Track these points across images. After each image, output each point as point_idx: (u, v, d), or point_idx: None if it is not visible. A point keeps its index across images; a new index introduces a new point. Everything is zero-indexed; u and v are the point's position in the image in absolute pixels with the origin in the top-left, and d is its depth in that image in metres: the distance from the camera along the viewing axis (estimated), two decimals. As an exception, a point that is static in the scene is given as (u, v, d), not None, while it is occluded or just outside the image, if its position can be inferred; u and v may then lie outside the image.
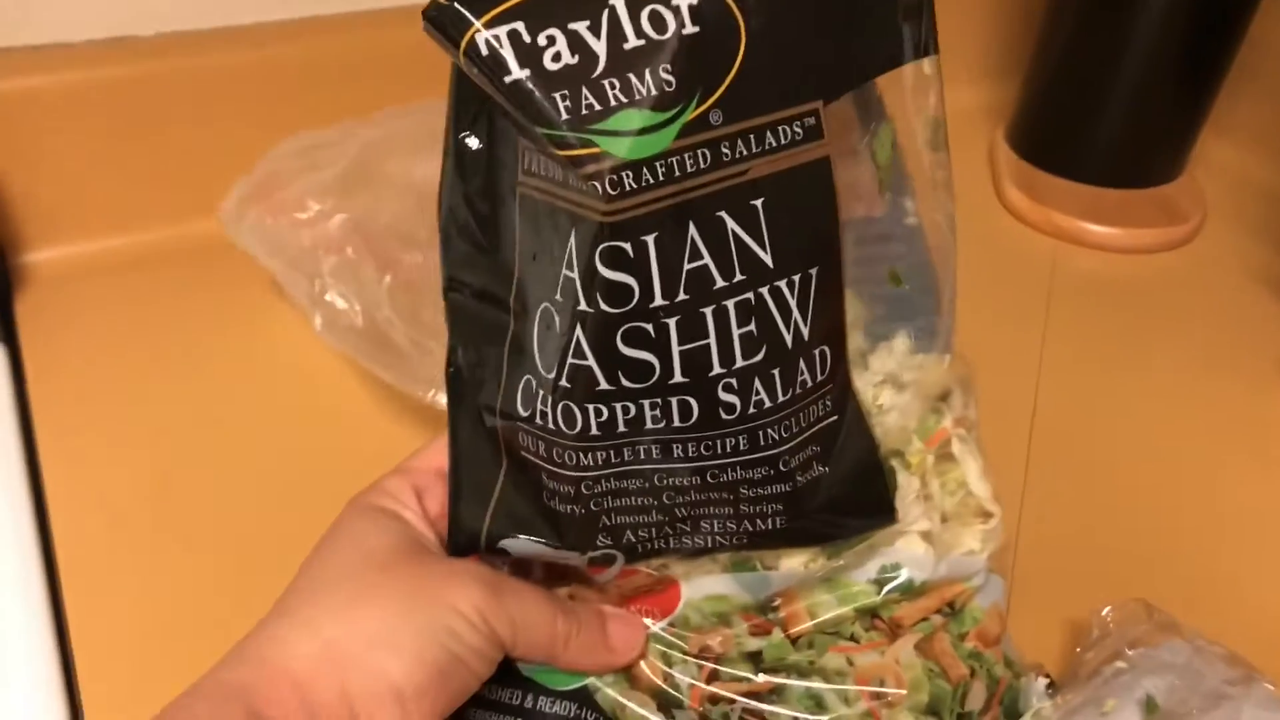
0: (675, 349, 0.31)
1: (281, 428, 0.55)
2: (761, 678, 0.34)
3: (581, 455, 0.32)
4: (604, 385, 0.31)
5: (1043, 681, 0.39)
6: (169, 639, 0.39)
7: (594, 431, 0.32)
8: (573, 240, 0.31)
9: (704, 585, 0.35)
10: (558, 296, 0.32)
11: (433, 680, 0.31)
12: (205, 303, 0.62)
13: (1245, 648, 0.41)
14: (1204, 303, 0.68)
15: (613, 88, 0.29)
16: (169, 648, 0.36)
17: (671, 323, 0.31)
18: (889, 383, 0.36)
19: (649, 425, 0.32)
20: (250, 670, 0.30)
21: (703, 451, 0.32)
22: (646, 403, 0.32)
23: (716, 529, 0.34)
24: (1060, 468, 0.55)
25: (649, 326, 0.31)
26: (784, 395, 0.32)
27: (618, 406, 0.32)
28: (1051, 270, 0.70)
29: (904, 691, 0.34)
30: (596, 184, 0.29)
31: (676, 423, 0.32)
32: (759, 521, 0.33)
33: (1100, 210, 0.73)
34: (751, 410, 0.32)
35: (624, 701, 0.35)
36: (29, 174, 0.62)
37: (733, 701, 0.34)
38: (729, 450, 0.32)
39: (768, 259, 0.31)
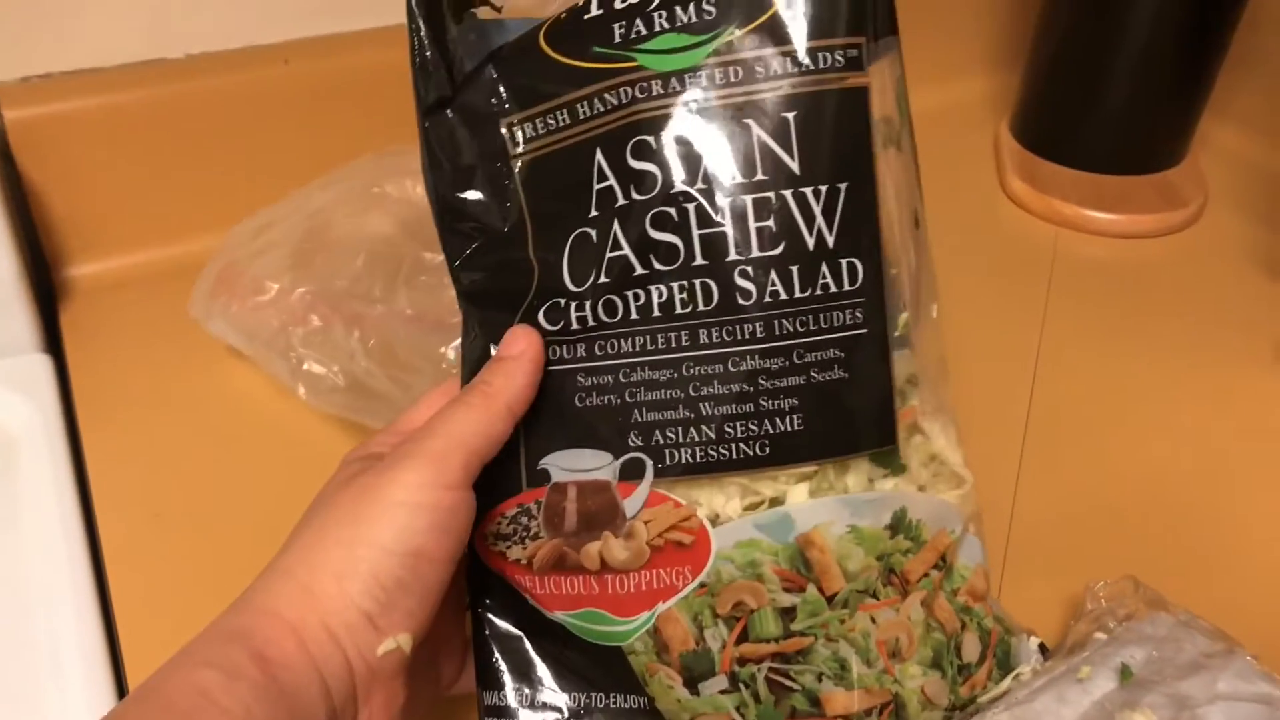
0: (695, 232, 0.35)
1: (313, 426, 0.57)
2: (790, 639, 0.35)
3: (621, 341, 0.36)
4: (639, 270, 0.36)
5: (1035, 641, 0.41)
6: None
7: (633, 315, 0.36)
8: (600, 156, 0.36)
9: (731, 532, 0.36)
10: (593, 212, 0.37)
11: (392, 593, 0.33)
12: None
13: (1239, 626, 0.41)
14: (1204, 286, 0.69)
15: (660, 16, 0.36)
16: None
17: (690, 208, 0.35)
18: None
19: (679, 310, 0.36)
20: (248, 617, 0.33)
21: (724, 337, 0.35)
22: (675, 285, 0.36)
23: (740, 433, 0.35)
24: (1059, 449, 0.56)
25: (672, 211, 0.35)
26: (802, 292, 0.35)
27: (652, 290, 0.36)
28: (1053, 256, 0.70)
29: (915, 646, 0.36)
30: (629, 89, 0.35)
31: (701, 306, 0.35)
32: (778, 420, 0.35)
33: (1102, 197, 0.74)
34: (767, 299, 0.35)
35: (657, 666, 0.36)
36: (70, 193, 0.64)
37: (760, 661, 0.35)
38: (747, 336, 0.35)
39: (794, 166, 0.35)
